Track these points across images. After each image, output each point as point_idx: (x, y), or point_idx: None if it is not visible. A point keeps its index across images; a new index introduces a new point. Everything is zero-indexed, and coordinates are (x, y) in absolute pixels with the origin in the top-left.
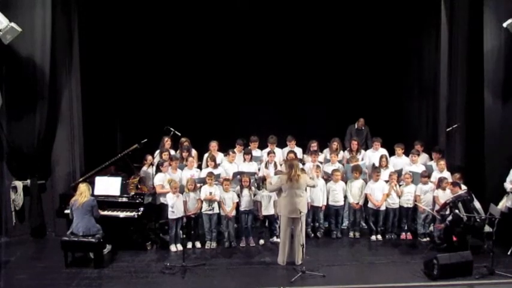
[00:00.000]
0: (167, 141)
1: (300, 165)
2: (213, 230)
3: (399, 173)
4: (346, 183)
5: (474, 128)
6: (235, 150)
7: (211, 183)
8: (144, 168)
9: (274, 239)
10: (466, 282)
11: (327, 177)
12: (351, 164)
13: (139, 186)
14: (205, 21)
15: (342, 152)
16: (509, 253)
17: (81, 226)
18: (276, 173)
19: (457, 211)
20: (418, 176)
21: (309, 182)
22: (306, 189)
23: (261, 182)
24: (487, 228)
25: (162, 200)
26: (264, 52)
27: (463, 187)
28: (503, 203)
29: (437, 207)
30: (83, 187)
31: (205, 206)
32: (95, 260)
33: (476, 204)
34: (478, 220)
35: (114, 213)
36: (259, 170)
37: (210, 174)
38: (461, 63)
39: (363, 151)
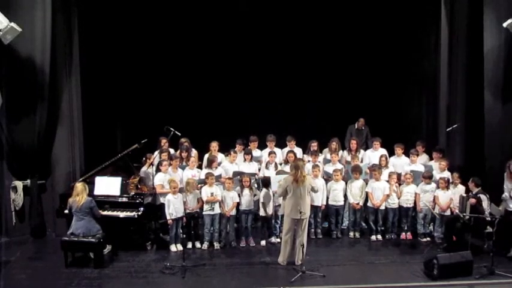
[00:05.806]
0: (165, 143)
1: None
2: (213, 230)
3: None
4: (346, 183)
5: (474, 128)
6: (235, 150)
7: (212, 184)
8: (144, 168)
9: (273, 239)
10: (466, 282)
11: (327, 177)
12: (351, 164)
13: (139, 186)
14: (205, 21)
15: (341, 151)
16: (510, 254)
17: (81, 228)
18: (277, 173)
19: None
20: (418, 175)
21: (314, 186)
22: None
23: (261, 182)
24: (487, 228)
25: (162, 200)
26: (263, 53)
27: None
28: None
29: (436, 207)
30: (80, 187)
31: (205, 206)
32: (95, 260)
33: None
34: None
35: (114, 213)
36: (259, 170)
37: (209, 174)
38: (461, 63)
39: (362, 151)
